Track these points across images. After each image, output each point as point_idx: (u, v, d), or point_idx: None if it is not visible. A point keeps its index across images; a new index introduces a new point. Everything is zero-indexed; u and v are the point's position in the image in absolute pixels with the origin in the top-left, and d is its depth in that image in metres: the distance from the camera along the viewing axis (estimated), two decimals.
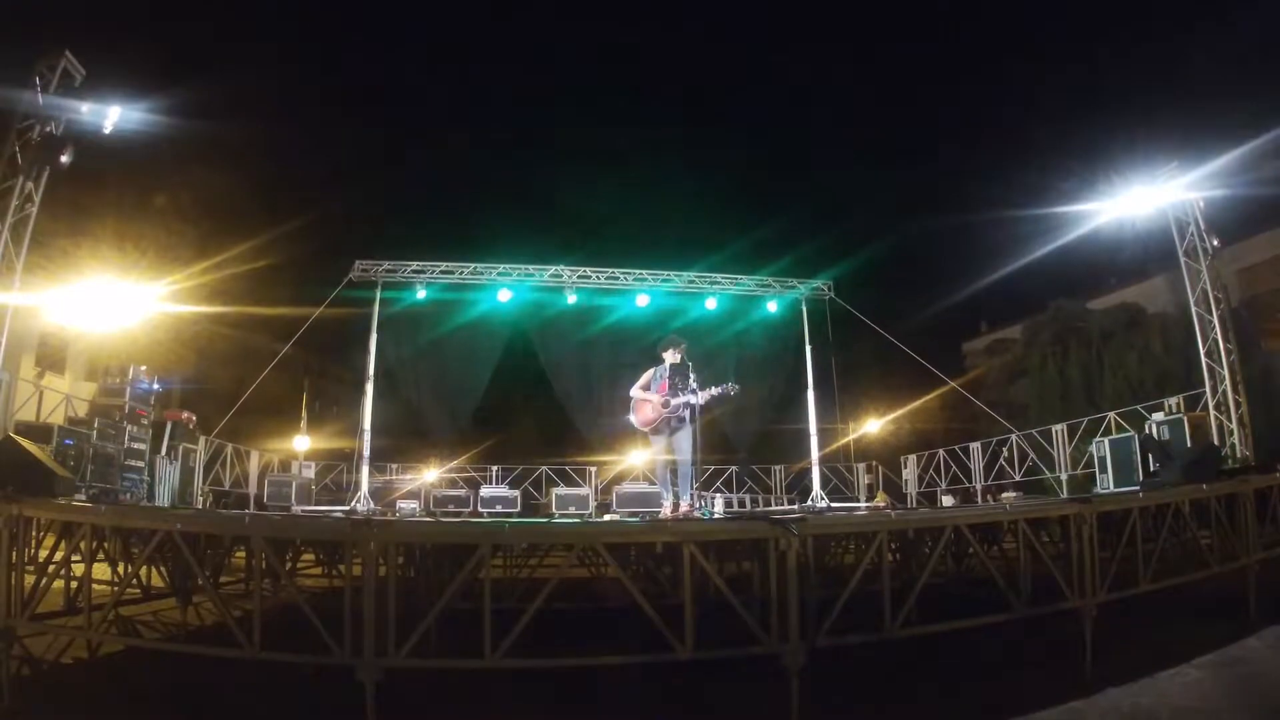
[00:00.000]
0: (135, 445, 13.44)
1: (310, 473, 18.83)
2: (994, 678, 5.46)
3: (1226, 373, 13.80)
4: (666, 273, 19.32)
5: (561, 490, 17.23)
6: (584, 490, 17.29)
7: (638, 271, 19.16)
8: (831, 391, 20.16)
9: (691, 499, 9.59)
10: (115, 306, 15.23)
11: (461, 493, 16.95)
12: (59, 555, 5.88)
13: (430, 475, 19.73)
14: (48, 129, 11.83)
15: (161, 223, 22.31)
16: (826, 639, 4.80)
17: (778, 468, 22.16)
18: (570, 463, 20.84)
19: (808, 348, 19.84)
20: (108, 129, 12.26)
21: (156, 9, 32.84)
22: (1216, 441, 13.25)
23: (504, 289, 18.60)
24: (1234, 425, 13.61)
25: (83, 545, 5.38)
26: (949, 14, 51.72)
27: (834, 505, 18.33)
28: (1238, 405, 13.67)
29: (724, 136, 56.12)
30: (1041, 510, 6.39)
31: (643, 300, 18.98)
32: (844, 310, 19.68)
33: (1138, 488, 11.47)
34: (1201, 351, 14.31)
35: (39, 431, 11.06)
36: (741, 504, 19.94)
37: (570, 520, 12.36)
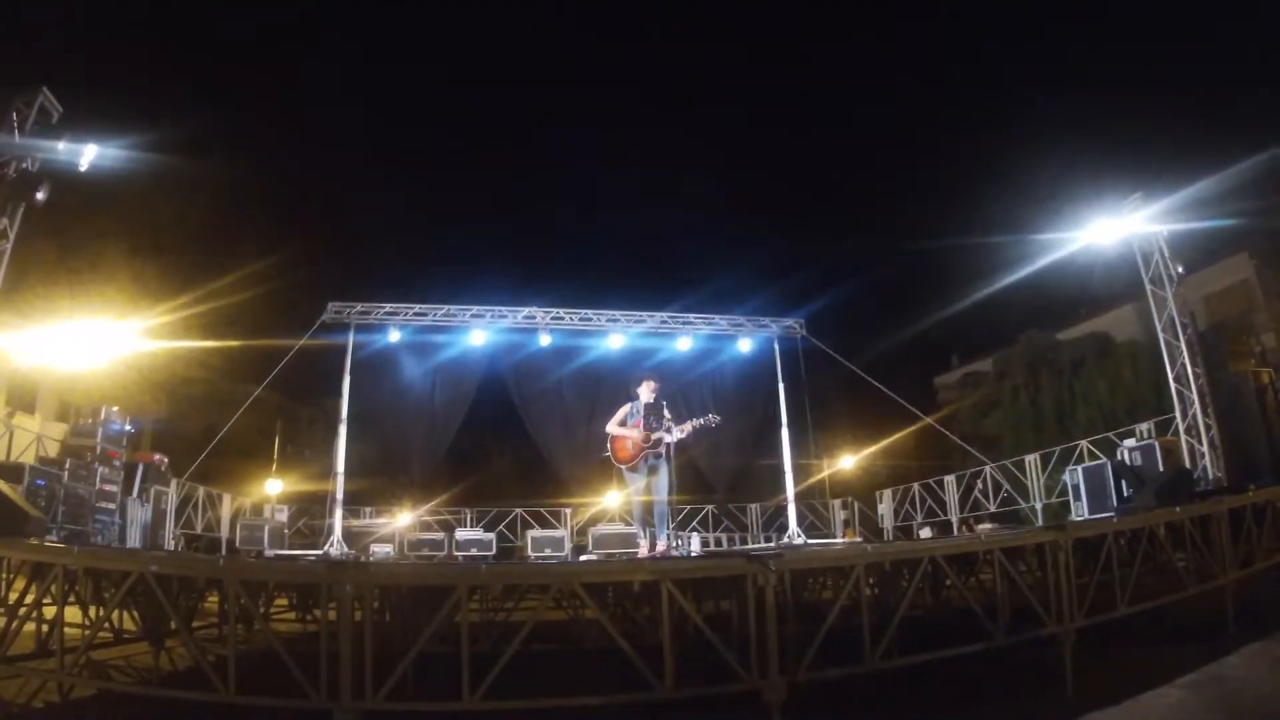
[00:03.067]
0: (107, 487, 13.24)
1: (283, 516, 18.59)
2: (977, 707, 5.46)
3: (1196, 396, 13.93)
4: (639, 313, 19.33)
5: (537, 533, 17.11)
6: (559, 532, 17.19)
7: (611, 312, 19.17)
8: (806, 429, 20.21)
9: (668, 538, 9.56)
10: (87, 346, 15.08)
11: (436, 536, 16.79)
12: (30, 597, 5.78)
13: (404, 519, 19.55)
14: (24, 166, 11.74)
15: (134, 262, 22.19)
16: (807, 673, 4.78)
17: (754, 506, 22.10)
18: (545, 505, 20.70)
19: (781, 386, 19.87)
20: (84, 166, 12.17)
21: (133, 49, 32.88)
22: (1188, 464, 13.36)
23: (477, 330, 18.54)
24: (1205, 448, 13.71)
25: (54, 588, 5.29)
26: (915, 51, 52.62)
27: (811, 541, 18.30)
28: (1208, 428, 13.78)
29: (695, 176, 56.67)
30: (1017, 539, 6.42)
31: (616, 341, 18.96)
32: (817, 348, 19.77)
33: (1112, 514, 11.54)
34: (1170, 376, 14.45)
35: (10, 471, 10.89)
36: (718, 543, 19.90)
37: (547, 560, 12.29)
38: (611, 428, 9.66)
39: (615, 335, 18.98)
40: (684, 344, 19.39)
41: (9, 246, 11.94)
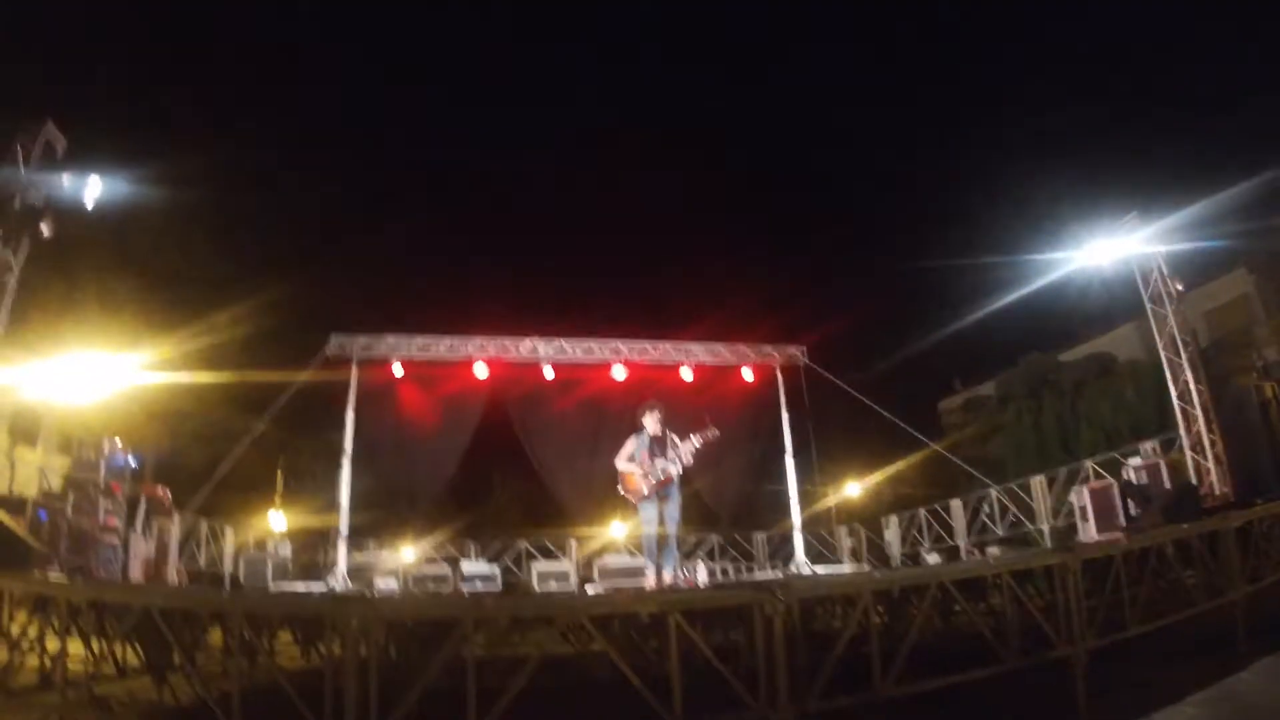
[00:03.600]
0: (110, 520, 13.14)
1: (286, 551, 18.50)
2: None
3: (1199, 413, 13.93)
4: (642, 344, 19.32)
5: (542, 565, 16.98)
6: (565, 565, 17.06)
7: (613, 343, 19.17)
8: (810, 456, 20.14)
9: (674, 571, 9.54)
10: (90, 379, 15.08)
11: (441, 570, 16.68)
12: (33, 631, 5.74)
13: (408, 552, 19.44)
14: (29, 200, 11.79)
15: (138, 296, 22.28)
16: (818, 702, 4.74)
17: (759, 535, 22.04)
18: (550, 536, 20.62)
19: (784, 414, 19.83)
20: (89, 201, 12.22)
21: (136, 84, 33.13)
22: (1194, 481, 13.33)
23: (480, 363, 18.52)
24: (1210, 464, 13.69)
25: (56, 622, 5.26)
26: (911, 72, 52.95)
27: (817, 570, 18.20)
28: (1213, 444, 13.76)
29: (695, 203, 56.89)
30: (1025, 562, 6.40)
31: (619, 372, 18.96)
32: (820, 375, 19.72)
33: (1120, 534, 11.49)
34: (1173, 394, 14.46)
35: (13, 504, 10.90)
36: (725, 572, 19.76)
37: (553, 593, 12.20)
38: (620, 464, 9.68)
39: (618, 366, 18.96)
40: (687, 375, 19.37)
41: (14, 280, 11.96)
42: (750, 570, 20.54)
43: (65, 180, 12.04)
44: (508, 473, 32.41)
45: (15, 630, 5.69)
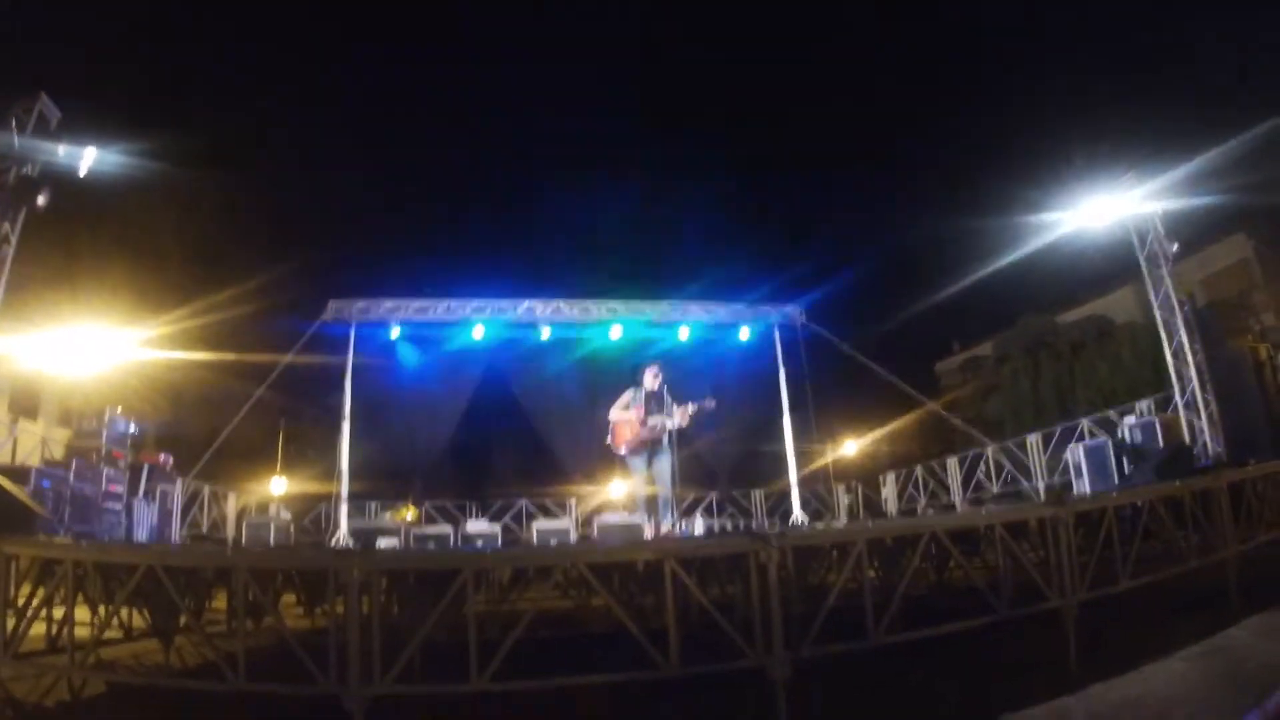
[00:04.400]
0: (113, 487, 13.26)
1: (288, 515, 18.65)
2: (981, 681, 5.48)
3: (1194, 373, 13.97)
4: (640, 304, 19.32)
5: (542, 524, 17.07)
6: (564, 523, 17.17)
7: (610, 303, 19.15)
8: (808, 415, 20.21)
9: (673, 525, 9.63)
10: (90, 351, 15.12)
11: (442, 529, 16.79)
12: (38, 598, 5.81)
13: (409, 513, 19.59)
14: (24, 170, 11.78)
15: (136, 266, 22.28)
16: (811, 649, 4.83)
17: (757, 492, 22.21)
18: (549, 495, 20.78)
19: (782, 373, 19.88)
20: (83, 171, 12.21)
21: (129, 54, 32.91)
22: (1188, 441, 13.41)
23: (478, 325, 18.56)
24: (1204, 424, 13.76)
25: (63, 589, 5.32)
26: (907, 33, 52.51)
27: (815, 525, 18.34)
28: (1207, 404, 13.83)
29: (693, 164, 56.62)
30: (1019, 514, 6.46)
31: (616, 332, 18.99)
32: (818, 335, 19.74)
33: (1113, 490, 11.58)
34: (1168, 354, 14.51)
35: (16, 474, 10.91)
36: (723, 528, 19.90)
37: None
38: (613, 413, 9.76)
39: (615, 325, 19.00)
40: (684, 333, 19.38)
41: (10, 252, 11.97)
42: (748, 527, 20.66)
43: (60, 151, 12.03)
44: (507, 432, 32.50)
45: (20, 600, 5.74)
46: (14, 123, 11.74)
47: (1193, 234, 17.71)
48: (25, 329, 15.04)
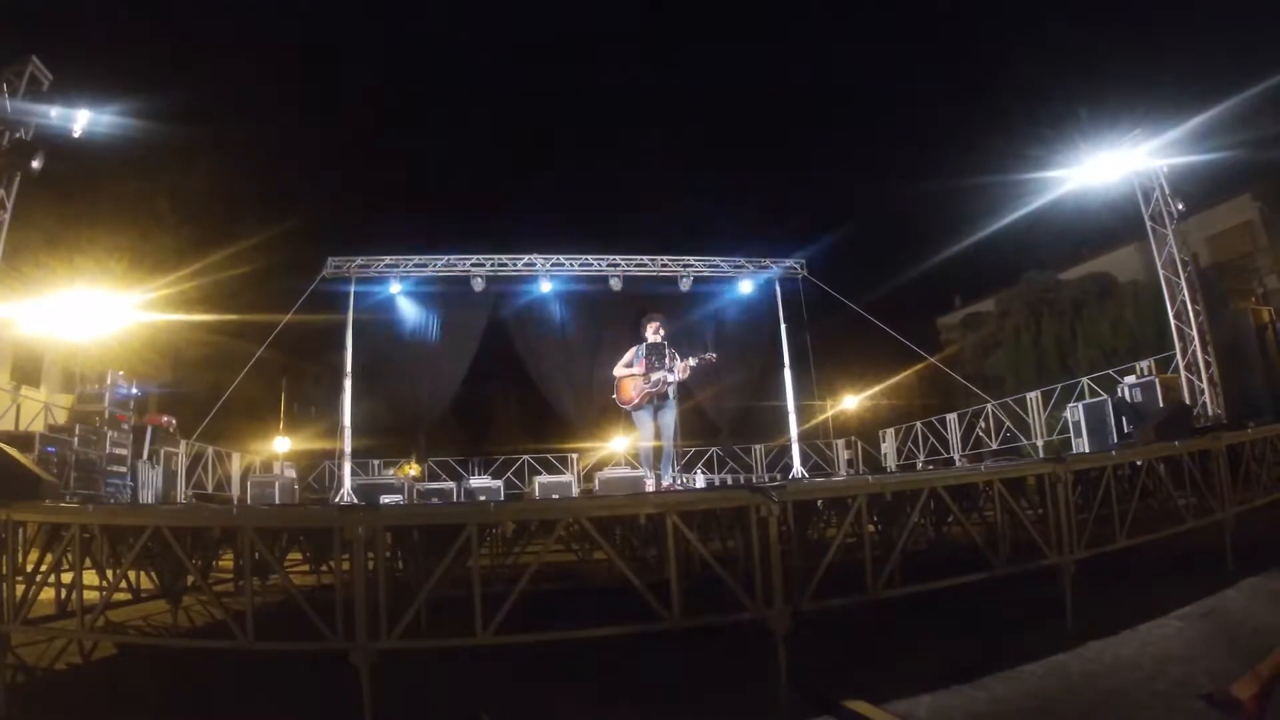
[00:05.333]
0: (117, 450, 13.36)
1: (292, 473, 18.78)
2: (977, 637, 5.55)
3: (1195, 334, 13.99)
4: (640, 258, 19.34)
5: (544, 479, 17.22)
6: (567, 478, 17.29)
7: (611, 257, 19.19)
8: (808, 369, 20.28)
9: (674, 479, 9.71)
10: (90, 316, 15.14)
11: (446, 485, 16.91)
12: (46, 563, 5.86)
13: (412, 470, 19.72)
14: (17, 135, 11.76)
15: (133, 228, 22.20)
16: (811, 603, 4.89)
17: (758, 447, 22.31)
18: (552, 450, 20.92)
19: (783, 327, 19.92)
20: (77, 133, 12.20)
21: (119, 14, 32.57)
22: (1188, 401, 13.44)
23: (478, 279, 18.58)
24: (1205, 385, 13.81)
25: (70, 555, 5.37)
26: None
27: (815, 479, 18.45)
28: (1208, 365, 13.86)
29: (691, 116, 56.20)
30: (1017, 470, 6.49)
31: (616, 284, 19.02)
32: (818, 289, 19.77)
33: (1112, 449, 11.63)
34: (1170, 314, 14.51)
35: (20, 440, 10.98)
36: (723, 483, 20.03)
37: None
38: (618, 370, 9.82)
39: (615, 279, 19.04)
40: (685, 286, 19.45)
41: (7, 216, 11.98)
42: (749, 481, 20.80)
43: (54, 114, 12.00)
44: (509, 388, 32.68)
45: (28, 568, 5.79)
46: (4, 86, 11.71)
47: (1198, 194, 17.63)
48: (24, 295, 15.04)
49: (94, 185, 20.74)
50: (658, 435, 9.69)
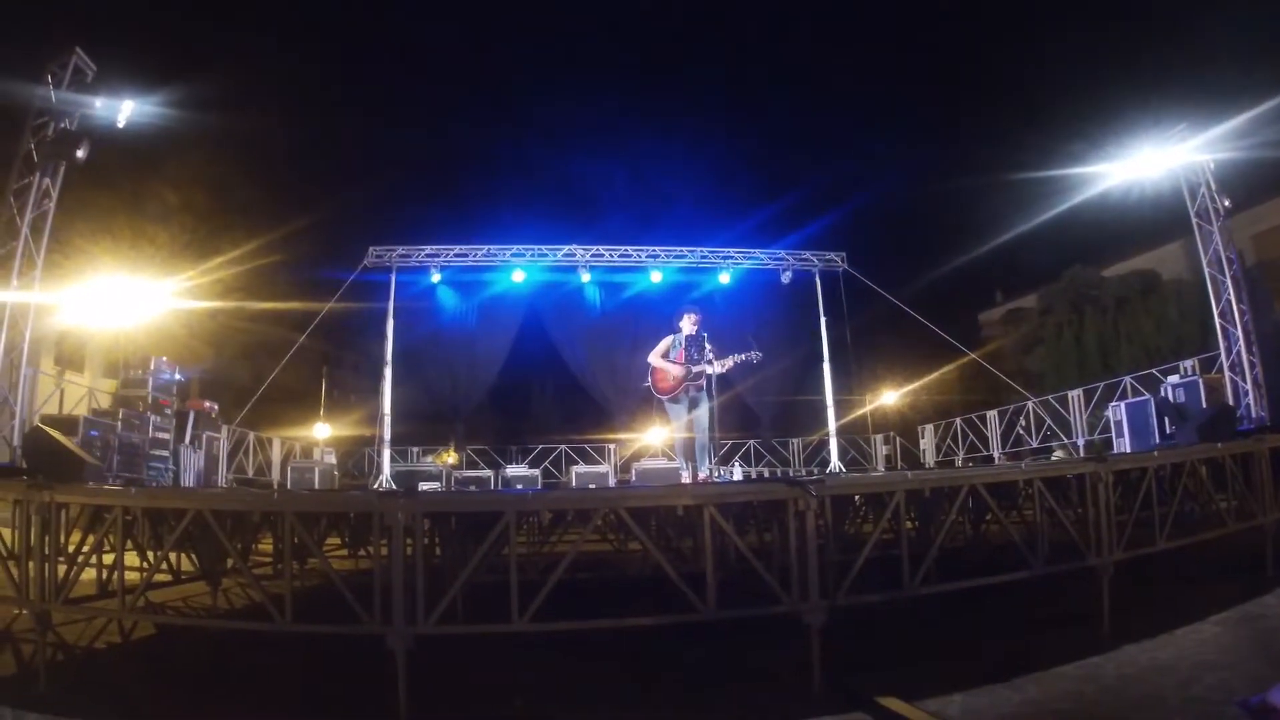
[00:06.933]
0: (159, 434, 13.54)
1: (332, 459, 18.97)
2: (1014, 636, 5.52)
3: (1240, 334, 13.75)
4: (679, 248, 19.29)
5: (581, 468, 17.19)
6: (603, 468, 17.27)
7: (650, 248, 19.17)
8: (848, 363, 20.15)
9: (710, 471, 9.69)
10: (132, 303, 15.33)
11: (483, 474, 16.99)
12: (88, 544, 5.96)
13: (450, 458, 19.83)
14: (62, 125, 11.94)
15: (176, 217, 22.49)
16: (847, 597, 4.88)
17: (796, 440, 22.22)
18: (589, 441, 20.97)
19: (823, 320, 19.79)
20: (121, 123, 12.36)
21: (162, 5, 32.96)
22: (1232, 402, 13.22)
23: (518, 270, 18.66)
24: (1249, 386, 13.58)
25: (112, 536, 5.45)
26: None
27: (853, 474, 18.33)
28: (1252, 366, 13.63)
29: (733, 110, 55.91)
30: (1057, 469, 6.43)
31: (656, 276, 19.02)
32: (859, 282, 19.58)
33: (1154, 450, 11.47)
34: (1215, 313, 14.27)
35: (65, 424, 11.16)
36: (760, 476, 19.95)
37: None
38: (653, 359, 9.81)
39: (655, 271, 19.04)
40: (725, 278, 19.40)
41: (53, 205, 12.15)
42: (786, 475, 20.72)
43: (98, 104, 12.17)
44: (547, 378, 32.75)
45: (71, 547, 5.89)
46: (50, 78, 11.90)
47: (1244, 190, 17.31)
48: (69, 282, 15.28)
49: (138, 174, 21.02)
50: (691, 426, 9.68)
